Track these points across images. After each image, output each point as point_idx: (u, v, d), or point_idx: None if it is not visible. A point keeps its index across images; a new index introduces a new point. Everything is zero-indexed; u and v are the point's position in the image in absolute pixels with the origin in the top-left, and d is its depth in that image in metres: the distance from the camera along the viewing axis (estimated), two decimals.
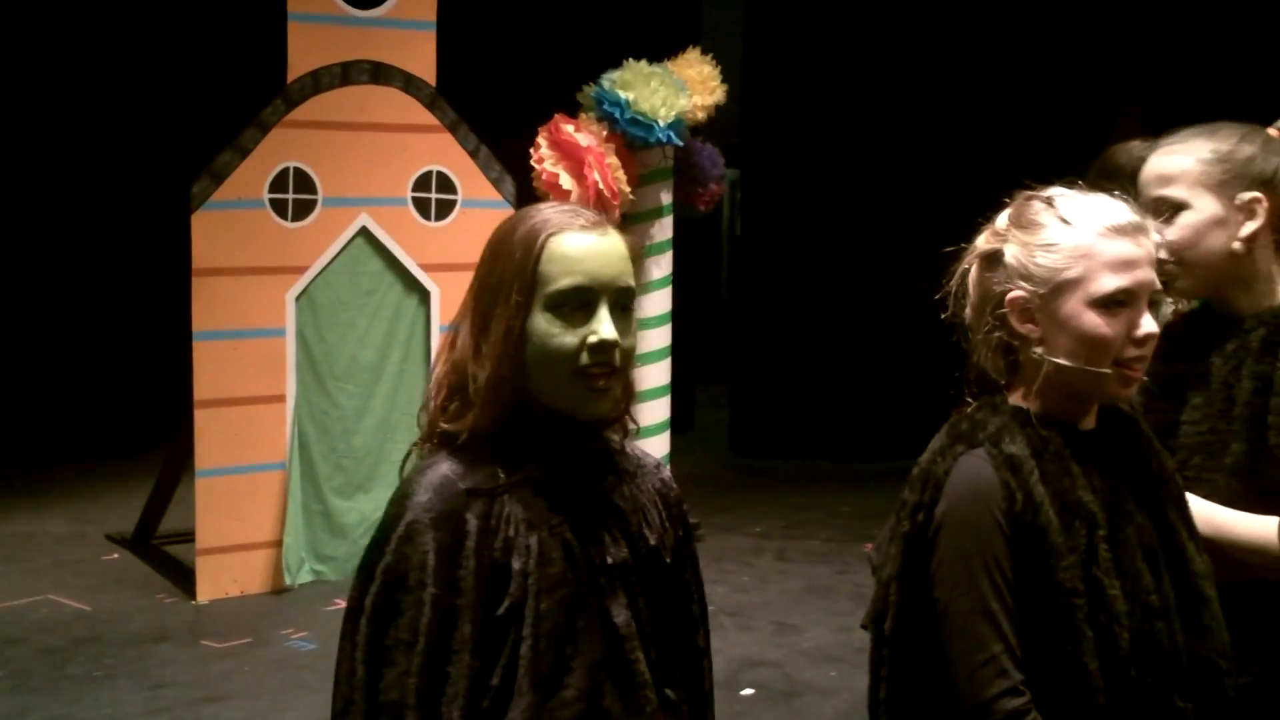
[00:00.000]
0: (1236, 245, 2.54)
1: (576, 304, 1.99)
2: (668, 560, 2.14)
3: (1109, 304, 2.12)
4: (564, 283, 1.98)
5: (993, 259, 2.21)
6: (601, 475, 2.12)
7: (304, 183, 7.21)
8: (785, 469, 10.61)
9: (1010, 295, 2.17)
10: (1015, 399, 2.22)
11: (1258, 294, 2.58)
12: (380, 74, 7.39)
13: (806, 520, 9.02)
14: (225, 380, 7.07)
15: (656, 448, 8.25)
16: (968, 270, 2.25)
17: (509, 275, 2.00)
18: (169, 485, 7.85)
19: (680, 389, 9.35)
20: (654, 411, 8.26)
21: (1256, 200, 2.53)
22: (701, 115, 7.98)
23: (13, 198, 10.06)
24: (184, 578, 7.31)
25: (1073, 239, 2.13)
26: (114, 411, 10.36)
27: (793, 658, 6.36)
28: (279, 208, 7.16)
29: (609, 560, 2.05)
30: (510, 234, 2.05)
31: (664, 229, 8.17)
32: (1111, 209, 2.16)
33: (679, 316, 8.51)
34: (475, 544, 1.95)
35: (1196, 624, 2.18)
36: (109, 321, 10.44)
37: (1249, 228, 2.53)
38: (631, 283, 2.04)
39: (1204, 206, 2.54)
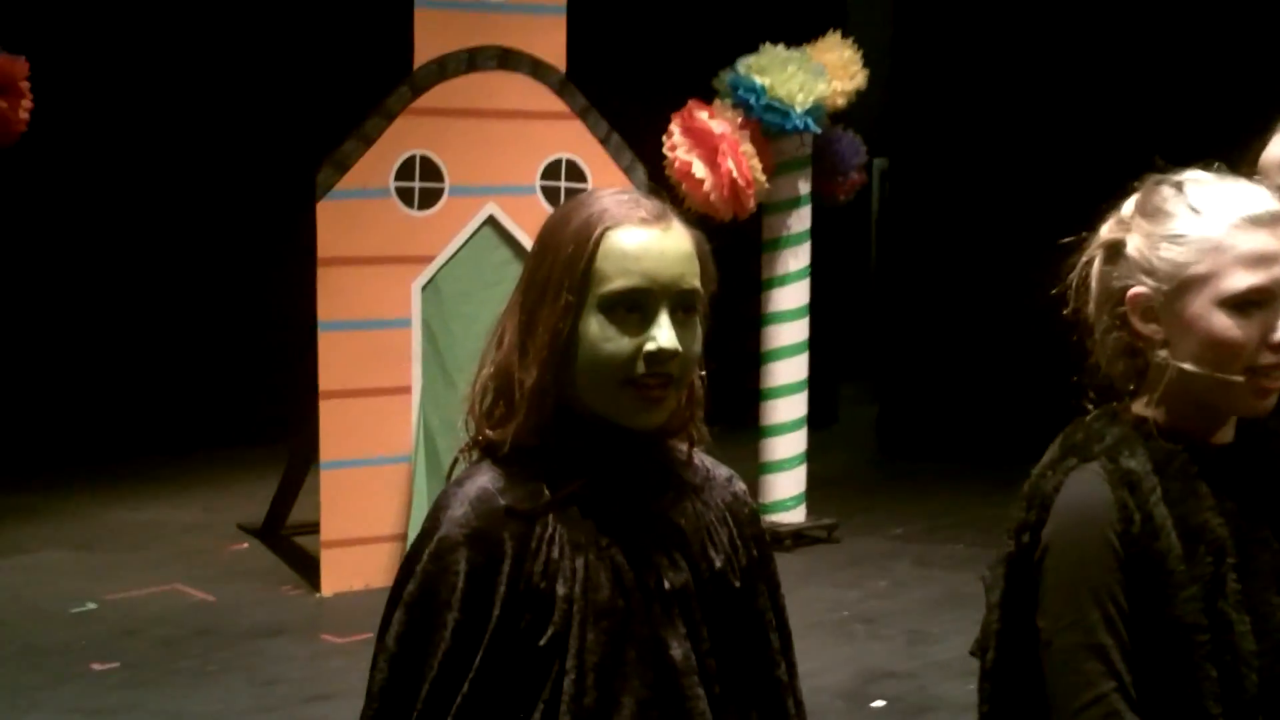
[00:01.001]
0: None
1: (632, 307, 1.80)
2: (737, 585, 1.93)
3: (1241, 304, 1.87)
4: (618, 283, 1.80)
5: (1115, 250, 1.99)
6: (659, 491, 1.92)
7: (430, 171, 7.11)
8: (932, 470, 10.25)
9: (1131, 292, 1.95)
10: (1138, 408, 1.98)
11: None
12: (508, 60, 7.26)
13: (951, 524, 8.67)
14: (350, 371, 7.00)
15: (793, 445, 8.06)
16: (1089, 262, 2.03)
17: (559, 271, 1.82)
18: (298, 476, 7.82)
19: (822, 384, 9.10)
20: (791, 408, 8.05)
21: None
22: (841, 101, 7.75)
23: (141, 187, 10.18)
24: (310, 570, 7.27)
25: (1202, 230, 1.90)
26: (249, 399, 10.41)
27: (927, 670, 6.06)
28: (405, 196, 7.07)
29: (666, 585, 1.85)
30: (563, 225, 1.86)
31: (801, 219, 7.95)
32: (1248, 197, 1.92)
33: (821, 309, 8.25)
34: (510, 567, 1.79)
35: None
36: (241, 310, 10.53)
37: None
38: (696, 284, 1.84)
39: None
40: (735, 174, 7.28)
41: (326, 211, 6.91)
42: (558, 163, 7.41)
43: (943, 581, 7.40)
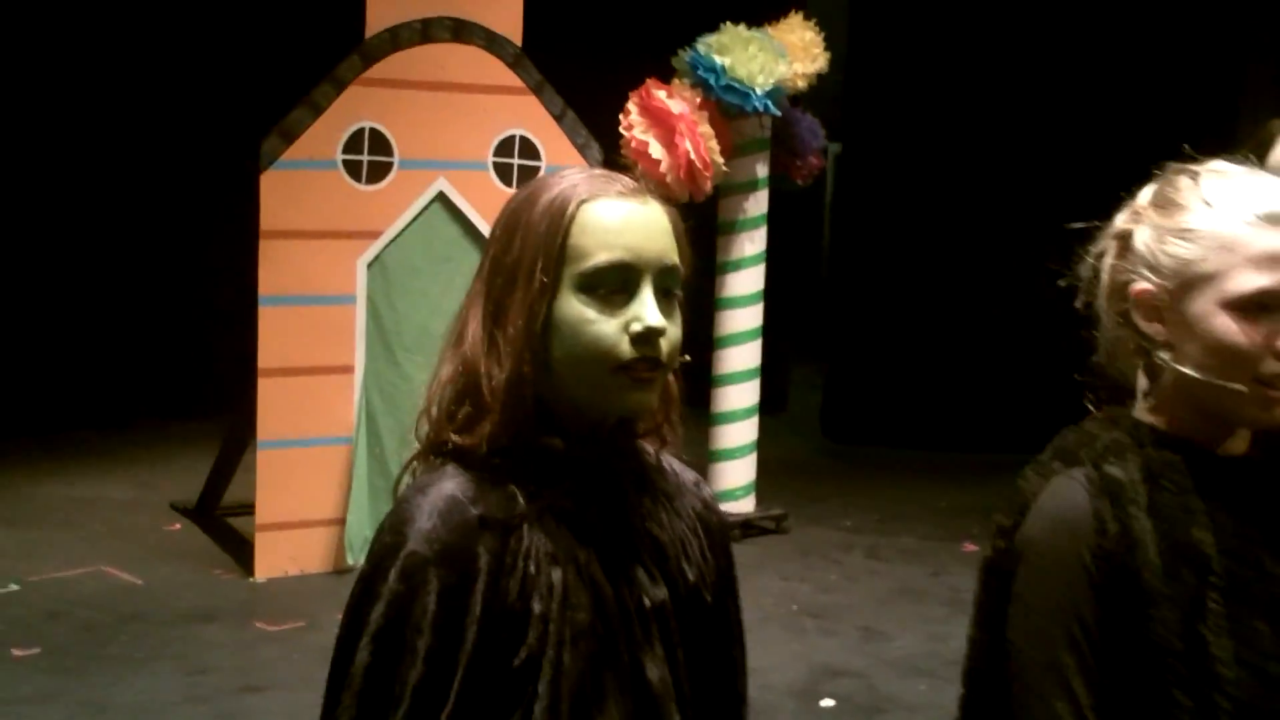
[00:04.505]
0: None
1: (615, 285, 1.67)
2: (709, 600, 1.84)
3: (1248, 307, 1.74)
4: (600, 258, 1.66)
5: (1126, 242, 1.86)
6: (636, 498, 1.79)
7: (379, 144, 6.89)
8: (881, 457, 10.16)
9: (1135, 288, 1.82)
10: (1140, 412, 1.86)
11: None
12: (462, 31, 7.03)
13: (901, 514, 8.56)
14: (291, 348, 6.79)
15: (744, 433, 7.92)
16: (1102, 254, 1.89)
17: (531, 251, 1.68)
18: (234, 455, 7.60)
19: (774, 370, 8.95)
20: (744, 395, 7.91)
21: None
22: (801, 83, 7.60)
23: (81, 155, 9.89)
24: (244, 553, 7.05)
25: (1213, 225, 1.77)
26: (191, 373, 10.15)
27: (879, 667, 5.93)
28: (352, 169, 6.85)
29: (646, 603, 1.74)
30: (531, 203, 1.72)
31: (758, 203, 7.80)
32: (1269, 193, 1.77)
33: (775, 295, 8.10)
34: (485, 586, 1.63)
35: None
36: (183, 281, 10.26)
37: None
38: (676, 260, 1.72)
39: None
40: (692, 155, 7.11)
41: (271, 182, 6.68)
42: (511, 139, 7.20)
43: (893, 575, 7.29)
